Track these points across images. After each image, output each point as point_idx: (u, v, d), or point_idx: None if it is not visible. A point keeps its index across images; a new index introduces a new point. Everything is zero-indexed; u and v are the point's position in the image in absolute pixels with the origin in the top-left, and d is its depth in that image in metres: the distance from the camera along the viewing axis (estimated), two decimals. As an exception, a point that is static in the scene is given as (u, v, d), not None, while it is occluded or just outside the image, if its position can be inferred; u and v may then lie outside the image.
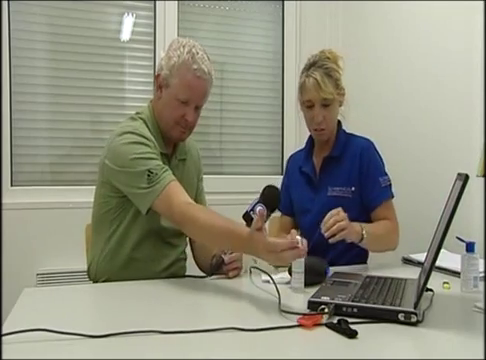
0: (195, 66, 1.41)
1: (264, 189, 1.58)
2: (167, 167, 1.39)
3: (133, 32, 2.63)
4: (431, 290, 1.20)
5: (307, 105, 1.64)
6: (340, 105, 1.69)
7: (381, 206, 1.63)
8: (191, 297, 1.22)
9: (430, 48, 2.16)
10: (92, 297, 1.33)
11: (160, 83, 1.47)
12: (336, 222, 1.39)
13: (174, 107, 1.45)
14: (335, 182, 1.65)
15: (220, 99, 2.80)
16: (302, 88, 1.64)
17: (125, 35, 2.61)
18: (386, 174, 1.67)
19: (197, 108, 1.48)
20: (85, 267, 1.61)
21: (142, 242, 1.49)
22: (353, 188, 1.63)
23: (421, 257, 1.46)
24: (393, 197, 1.66)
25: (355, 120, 2.71)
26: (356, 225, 1.47)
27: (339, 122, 1.74)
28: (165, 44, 2.55)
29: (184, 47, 1.43)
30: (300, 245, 1.09)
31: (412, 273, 1.37)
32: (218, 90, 2.77)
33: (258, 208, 1.46)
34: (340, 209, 1.44)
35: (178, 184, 1.36)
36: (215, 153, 2.82)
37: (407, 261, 1.68)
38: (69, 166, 2.52)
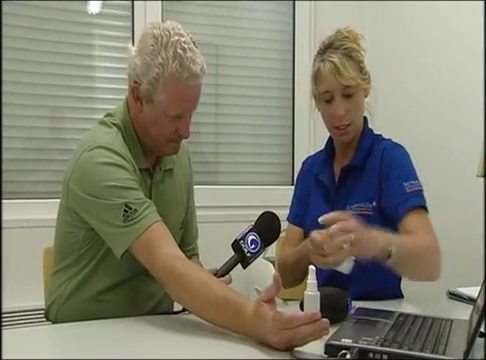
0: (186, 74, 1.37)
1: (261, 215, 1.60)
2: (150, 202, 1.38)
3: (104, 4, 2.65)
4: (487, 335, 1.21)
5: (325, 98, 1.63)
6: (365, 96, 1.67)
7: (407, 216, 1.52)
8: (180, 337, 1.22)
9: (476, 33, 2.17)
10: (53, 342, 1.32)
11: (138, 96, 1.44)
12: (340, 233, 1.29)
13: (164, 124, 1.44)
14: (353, 198, 1.64)
15: (215, 91, 2.83)
16: (317, 77, 1.63)
17: (94, 7, 2.64)
18: (415, 179, 1.59)
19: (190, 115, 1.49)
20: (42, 304, 1.60)
21: (121, 282, 1.48)
22: (374, 203, 1.61)
23: (473, 292, 1.46)
24: (425, 207, 1.56)
25: (380, 115, 2.75)
26: (378, 235, 1.38)
27: (365, 120, 1.73)
28: (146, 18, 2.56)
29: (166, 49, 1.36)
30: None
31: (460, 312, 1.38)
32: (212, 80, 2.79)
33: (250, 237, 1.48)
34: (349, 215, 1.36)
35: (163, 227, 1.35)
36: (209, 158, 2.84)
37: (454, 296, 1.68)
38: (21, 174, 2.53)
